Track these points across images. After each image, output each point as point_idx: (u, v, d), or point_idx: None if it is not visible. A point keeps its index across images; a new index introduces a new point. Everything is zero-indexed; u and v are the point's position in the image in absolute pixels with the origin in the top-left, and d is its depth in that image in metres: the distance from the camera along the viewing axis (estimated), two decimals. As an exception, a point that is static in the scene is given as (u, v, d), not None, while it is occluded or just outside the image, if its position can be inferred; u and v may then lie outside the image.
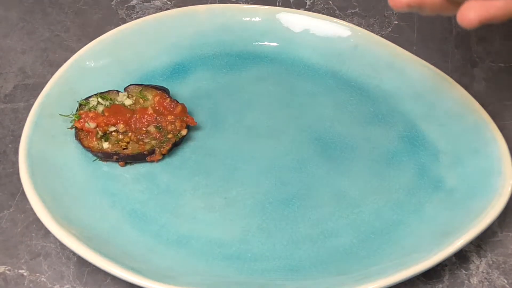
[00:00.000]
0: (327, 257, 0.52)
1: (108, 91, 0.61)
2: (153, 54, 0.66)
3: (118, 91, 0.62)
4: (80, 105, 0.60)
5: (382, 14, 0.75)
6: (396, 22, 0.74)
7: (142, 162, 0.59)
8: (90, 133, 0.58)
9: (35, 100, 0.59)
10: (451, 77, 0.63)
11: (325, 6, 0.76)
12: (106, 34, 0.66)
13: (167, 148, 0.58)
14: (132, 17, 0.74)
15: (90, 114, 0.58)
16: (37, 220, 0.53)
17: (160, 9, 0.75)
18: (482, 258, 0.54)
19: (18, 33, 0.72)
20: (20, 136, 0.56)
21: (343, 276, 0.50)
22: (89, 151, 0.58)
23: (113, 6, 0.76)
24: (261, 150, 0.60)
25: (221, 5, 0.70)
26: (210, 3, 0.75)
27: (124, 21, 0.73)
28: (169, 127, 0.59)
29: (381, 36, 0.69)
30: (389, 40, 0.67)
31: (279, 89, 0.65)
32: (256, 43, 0.68)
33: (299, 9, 0.73)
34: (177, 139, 0.59)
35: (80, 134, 0.58)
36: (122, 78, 0.64)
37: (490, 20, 0.44)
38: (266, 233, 0.54)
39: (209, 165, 0.58)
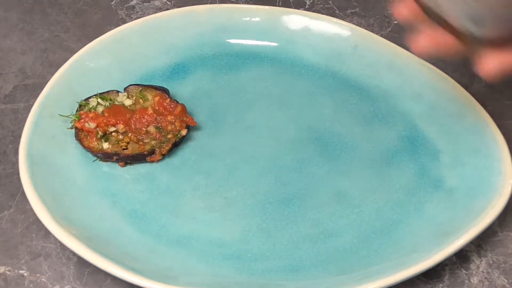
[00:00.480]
0: (327, 257, 0.52)
1: (108, 92, 0.61)
2: (153, 54, 0.66)
3: (118, 91, 0.62)
4: (80, 105, 0.60)
5: (382, 14, 0.75)
6: (396, 22, 0.74)
7: (142, 162, 0.59)
8: (90, 134, 0.58)
9: (35, 100, 0.59)
10: (451, 77, 0.63)
11: (325, 6, 0.76)
12: (106, 35, 0.66)
13: (167, 148, 0.58)
14: (132, 17, 0.74)
15: (90, 115, 0.58)
16: (37, 221, 0.53)
17: (160, 9, 0.75)
18: (483, 258, 0.54)
19: (18, 34, 0.72)
20: (20, 137, 0.56)
21: (343, 276, 0.50)
22: (89, 151, 0.58)
23: (113, 7, 0.76)
24: (261, 150, 0.60)
25: (221, 5, 0.70)
26: (210, 3, 0.75)
27: (124, 21, 0.73)
28: (169, 127, 0.59)
29: (381, 36, 0.68)
30: (389, 40, 0.67)
31: (279, 89, 0.65)
32: (256, 43, 0.68)
33: (299, 9, 0.73)
34: (177, 139, 0.59)
35: (80, 135, 0.58)
36: (122, 78, 0.64)
37: (440, 54, 0.45)
38: (266, 233, 0.54)
39: (209, 165, 0.58)
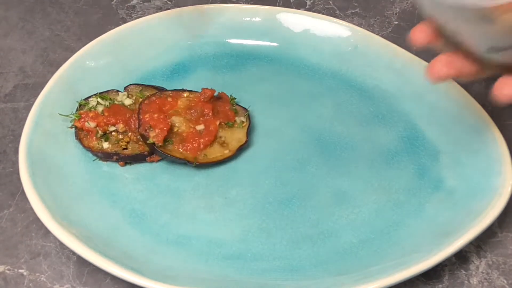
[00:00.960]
0: (327, 257, 0.52)
1: (108, 91, 0.61)
2: (153, 54, 0.66)
3: (118, 91, 0.62)
4: (80, 105, 0.60)
5: (382, 14, 0.75)
6: (396, 23, 0.74)
7: (142, 162, 0.59)
8: (90, 133, 0.58)
9: (35, 99, 0.59)
10: (451, 77, 0.63)
11: (325, 6, 0.76)
12: (106, 34, 0.66)
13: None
14: (132, 17, 0.74)
15: (90, 114, 0.58)
16: (37, 220, 0.53)
17: (160, 9, 0.75)
18: (482, 259, 0.54)
19: (18, 33, 0.72)
20: (20, 136, 0.56)
21: (343, 276, 0.50)
22: (89, 151, 0.58)
23: (113, 6, 0.76)
24: (261, 150, 0.60)
25: (221, 5, 0.70)
26: (211, 3, 0.75)
27: (125, 21, 0.73)
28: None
29: (381, 36, 0.68)
30: (389, 41, 0.67)
31: (279, 89, 0.65)
32: (256, 43, 0.68)
33: (299, 9, 0.73)
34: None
35: (80, 134, 0.58)
36: (122, 78, 0.64)
37: (457, 77, 0.46)
38: (266, 233, 0.54)
39: (209, 165, 0.58)
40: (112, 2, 0.76)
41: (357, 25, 0.69)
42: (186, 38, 0.68)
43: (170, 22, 0.68)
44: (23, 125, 0.57)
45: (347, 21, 0.70)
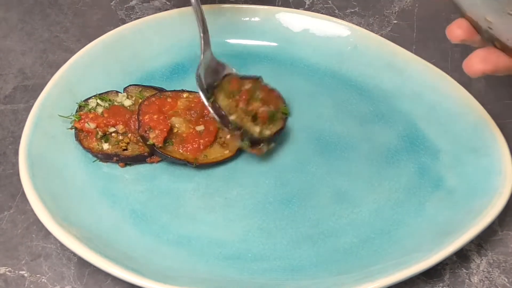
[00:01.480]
0: (328, 257, 0.52)
1: (107, 92, 0.61)
2: (153, 55, 0.66)
3: (117, 92, 0.62)
4: (80, 106, 0.60)
5: (381, 13, 0.75)
6: (395, 22, 0.74)
7: (142, 163, 0.59)
8: (90, 134, 0.58)
9: (35, 101, 0.59)
10: (451, 76, 0.63)
11: (325, 5, 0.76)
12: (106, 35, 0.66)
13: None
14: (131, 18, 0.74)
15: (90, 115, 0.58)
16: (37, 221, 0.53)
17: (159, 10, 0.75)
18: (483, 257, 0.54)
19: (17, 34, 0.72)
20: (20, 137, 0.56)
21: (344, 276, 0.50)
22: (89, 152, 0.58)
23: (112, 7, 0.76)
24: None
25: (221, 5, 0.70)
26: (210, 3, 0.75)
27: (124, 22, 0.73)
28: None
29: (381, 35, 0.68)
30: (389, 40, 0.67)
31: (279, 89, 0.65)
32: (256, 43, 0.68)
33: (298, 9, 0.73)
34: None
35: (80, 135, 0.58)
36: (122, 79, 0.64)
37: (494, 72, 0.45)
38: (266, 233, 0.54)
39: (209, 165, 0.58)
40: (111, 3, 0.76)
41: (356, 25, 0.69)
42: (185, 39, 0.68)
43: (169, 23, 0.68)
44: (23, 126, 0.57)
45: (346, 21, 0.70)
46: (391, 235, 0.53)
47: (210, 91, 0.59)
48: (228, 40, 0.68)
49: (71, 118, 0.59)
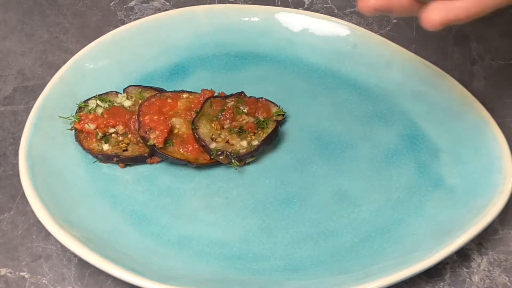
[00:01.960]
0: (328, 256, 0.52)
1: (107, 93, 0.61)
2: (152, 55, 0.66)
3: (117, 93, 0.62)
4: (80, 107, 0.60)
5: (381, 12, 0.75)
6: (395, 21, 0.74)
7: (142, 163, 0.59)
8: (90, 135, 0.58)
9: (35, 102, 0.59)
10: (451, 75, 0.63)
11: (324, 5, 0.76)
12: (105, 36, 0.66)
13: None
14: (130, 18, 0.74)
15: (90, 116, 0.58)
16: (37, 222, 0.53)
17: (158, 10, 0.75)
18: (483, 256, 0.54)
19: (17, 35, 0.72)
20: (20, 138, 0.56)
21: (344, 276, 0.50)
22: (89, 152, 0.58)
23: (111, 8, 0.76)
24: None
25: (220, 6, 0.70)
26: (209, 3, 0.75)
27: (123, 22, 0.73)
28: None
29: (380, 35, 0.68)
30: (388, 39, 0.67)
31: (278, 89, 0.65)
32: (255, 43, 0.68)
33: (297, 8, 0.73)
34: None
35: (80, 136, 0.58)
36: (122, 79, 0.64)
37: (453, 21, 0.44)
38: (267, 233, 0.54)
39: (209, 165, 0.58)
40: (111, 4, 0.76)
41: (356, 24, 0.69)
42: (185, 39, 0.68)
43: (169, 23, 0.68)
44: (23, 127, 0.57)
45: (345, 20, 0.70)
46: (391, 234, 0.53)
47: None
48: (227, 40, 0.68)
49: (71, 119, 0.59)
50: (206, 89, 0.61)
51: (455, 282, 0.52)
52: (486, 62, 0.69)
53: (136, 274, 0.48)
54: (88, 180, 0.57)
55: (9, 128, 0.63)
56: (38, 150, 0.56)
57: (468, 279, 0.52)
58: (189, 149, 0.57)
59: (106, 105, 0.60)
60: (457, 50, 0.71)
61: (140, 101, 0.60)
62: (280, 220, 0.55)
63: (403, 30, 0.73)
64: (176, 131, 0.58)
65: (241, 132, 0.59)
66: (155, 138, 0.56)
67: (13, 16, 0.75)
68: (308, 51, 0.67)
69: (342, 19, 0.69)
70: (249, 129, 0.59)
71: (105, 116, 0.59)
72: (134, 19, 0.73)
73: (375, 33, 0.68)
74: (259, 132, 0.59)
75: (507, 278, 0.52)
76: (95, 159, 0.58)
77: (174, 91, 0.62)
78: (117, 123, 0.58)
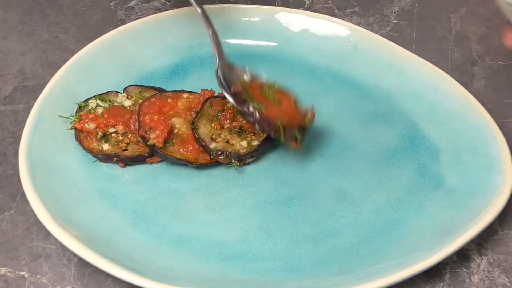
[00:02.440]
0: (328, 256, 0.52)
1: (107, 92, 0.61)
2: (153, 55, 0.66)
3: (117, 92, 0.62)
4: (80, 107, 0.60)
5: (381, 13, 0.75)
6: (395, 21, 0.74)
7: (143, 163, 0.59)
8: (90, 135, 0.58)
9: (35, 101, 0.59)
10: (451, 75, 0.63)
11: (324, 5, 0.76)
12: (105, 35, 0.66)
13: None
14: (131, 18, 0.74)
15: (90, 116, 0.58)
16: (37, 222, 0.53)
17: (159, 10, 0.75)
18: (483, 257, 0.54)
19: (17, 35, 0.72)
20: (20, 138, 0.56)
21: (344, 276, 0.50)
22: (89, 152, 0.58)
23: (112, 7, 0.76)
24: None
25: (220, 6, 0.70)
26: (210, 3, 0.75)
27: (123, 22, 0.73)
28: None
29: (381, 35, 0.68)
30: (389, 39, 0.67)
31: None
32: (256, 43, 0.68)
33: (298, 8, 0.73)
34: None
35: (80, 136, 0.58)
36: (122, 79, 0.64)
37: None
38: (267, 233, 0.54)
39: (209, 165, 0.58)
40: (111, 4, 0.76)
41: (356, 24, 0.69)
42: (185, 39, 0.68)
43: (169, 23, 0.68)
44: (23, 127, 0.57)
45: (346, 20, 0.70)
46: (391, 234, 0.53)
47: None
48: (228, 40, 0.68)
49: (71, 119, 0.59)
50: (206, 89, 0.61)
51: (454, 283, 0.52)
52: (486, 63, 0.69)
53: (136, 273, 0.48)
54: (88, 180, 0.57)
55: (9, 127, 0.63)
56: (38, 150, 0.56)
57: (467, 280, 0.52)
58: (189, 149, 0.57)
59: (106, 105, 0.60)
60: (458, 51, 0.71)
61: (140, 101, 0.60)
62: (280, 220, 0.55)
63: (404, 30, 0.73)
64: (176, 131, 0.58)
65: (241, 132, 0.59)
66: (155, 138, 0.56)
67: (13, 15, 0.75)
68: (308, 51, 0.67)
69: (343, 20, 0.69)
70: (249, 129, 0.59)
71: (105, 115, 0.59)
72: (135, 19, 0.73)
73: (376, 33, 0.68)
74: (259, 132, 0.59)
75: (506, 279, 0.52)
76: (95, 159, 0.58)
77: (174, 91, 0.62)
78: (117, 122, 0.58)
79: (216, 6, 0.70)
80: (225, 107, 0.60)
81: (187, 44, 0.68)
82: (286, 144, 0.59)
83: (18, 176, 0.54)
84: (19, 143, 0.56)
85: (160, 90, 0.62)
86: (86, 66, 0.63)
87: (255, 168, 0.59)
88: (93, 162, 0.58)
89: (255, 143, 0.58)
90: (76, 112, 0.60)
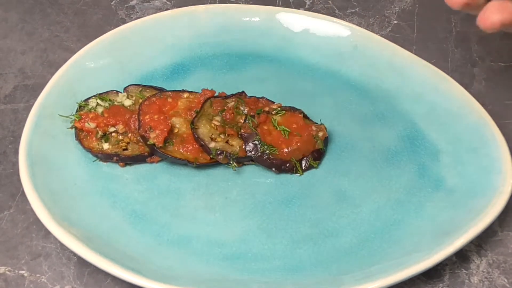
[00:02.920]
0: (328, 257, 0.52)
1: (107, 92, 0.61)
2: (153, 55, 0.66)
3: (117, 92, 0.62)
4: (80, 106, 0.60)
5: (381, 13, 0.75)
6: (395, 22, 0.74)
7: (143, 163, 0.59)
8: (90, 134, 0.58)
9: (35, 100, 0.59)
10: (451, 76, 0.63)
11: (325, 6, 0.76)
12: (106, 35, 0.66)
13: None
14: (131, 18, 0.74)
15: (90, 115, 0.58)
16: (37, 221, 0.53)
17: (159, 9, 0.75)
18: (483, 258, 0.54)
19: (17, 34, 0.72)
20: (20, 137, 0.56)
21: (344, 276, 0.50)
22: (89, 151, 0.58)
23: (112, 7, 0.76)
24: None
25: (221, 5, 0.70)
26: (210, 3, 0.75)
27: (124, 22, 0.73)
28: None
29: (381, 35, 0.68)
30: (389, 40, 0.67)
31: (279, 89, 0.65)
32: (256, 43, 0.68)
33: (298, 9, 0.73)
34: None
35: (80, 135, 0.58)
36: (122, 79, 0.64)
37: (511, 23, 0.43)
38: (267, 233, 0.54)
39: (209, 165, 0.58)
40: (112, 3, 0.76)
41: (357, 25, 0.69)
42: (185, 39, 0.68)
43: (170, 22, 0.68)
44: (23, 126, 0.57)
45: (346, 21, 0.70)
46: (391, 235, 0.53)
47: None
48: (227, 40, 0.68)
49: (71, 118, 0.59)
50: (207, 89, 0.61)
51: (454, 284, 0.52)
52: (487, 64, 0.69)
53: (136, 273, 0.48)
54: (88, 179, 0.57)
55: (9, 126, 0.63)
56: (38, 149, 0.56)
57: (467, 281, 0.52)
58: (189, 148, 0.57)
59: (107, 104, 0.60)
60: (458, 52, 0.71)
61: (141, 100, 0.60)
62: (279, 220, 0.55)
63: (404, 31, 0.73)
64: (176, 131, 0.58)
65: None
66: (155, 137, 0.56)
67: (14, 14, 0.75)
68: (308, 51, 0.67)
69: (343, 20, 0.69)
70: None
71: (105, 115, 0.59)
72: (135, 18, 0.73)
73: (376, 34, 0.68)
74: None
75: (506, 280, 0.52)
76: (95, 158, 0.58)
77: (175, 90, 0.62)
78: (117, 122, 0.58)
79: (217, 5, 0.70)
80: (225, 107, 0.60)
81: (188, 44, 0.68)
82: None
83: (18, 175, 0.54)
84: (19, 142, 0.56)
85: (160, 90, 0.62)
86: (87, 66, 0.63)
87: (255, 168, 0.59)
88: (93, 161, 0.58)
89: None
90: (76, 111, 0.60)
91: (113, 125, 0.58)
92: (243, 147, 0.58)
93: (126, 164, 0.58)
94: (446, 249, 0.49)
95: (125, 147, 0.58)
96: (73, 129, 0.59)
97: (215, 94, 0.61)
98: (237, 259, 0.52)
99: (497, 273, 0.53)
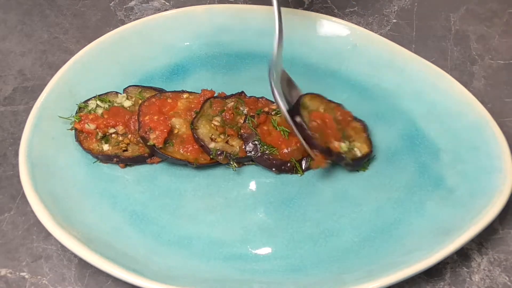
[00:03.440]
0: (329, 256, 0.52)
1: (107, 93, 0.61)
2: (152, 55, 0.66)
3: (117, 93, 0.62)
4: (80, 107, 0.60)
5: (381, 12, 0.75)
6: (395, 21, 0.74)
7: (143, 163, 0.59)
8: (90, 135, 0.58)
9: (35, 102, 0.59)
10: (451, 75, 0.63)
11: (324, 5, 0.76)
12: (105, 36, 0.66)
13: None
14: (130, 19, 0.74)
15: (90, 116, 0.58)
16: (38, 223, 0.53)
17: (158, 10, 0.75)
18: (484, 256, 0.54)
19: (17, 36, 0.72)
20: (20, 139, 0.56)
21: (345, 275, 0.50)
22: (90, 153, 0.58)
23: (111, 8, 0.76)
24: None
25: (220, 6, 0.70)
26: (209, 3, 0.75)
27: (123, 23, 0.73)
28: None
29: (380, 34, 0.68)
30: (388, 39, 0.67)
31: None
32: (255, 43, 0.68)
33: (297, 8, 0.73)
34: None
35: (80, 136, 0.58)
36: (122, 80, 0.64)
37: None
38: (267, 233, 0.54)
39: (209, 165, 0.58)
40: (111, 4, 0.76)
41: (356, 24, 0.69)
42: (184, 39, 0.68)
43: (169, 23, 0.68)
44: (23, 128, 0.57)
45: (345, 20, 0.70)
46: (391, 234, 0.53)
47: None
48: (226, 40, 0.68)
49: (71, 119, 0.59)
50: (206, 89, 0.61)
51: (455, 282, 0.52)
52: (486, 62, 0.69)
53: (137, 274, 0.48)
54: (88, 181, 0.57)
55: (9, 128, 0.63)
56: (38, 151, 0.56)
57: (468, 279, 0.52)
58: (189, 149, 0.57)
59: (106, 105, 0.60)
60: (457, 50, 0.71)
61: (140, 101, 0.60)
62: (280, 220, 0.55)
63: (403, 29, 0.73)
64: (176, 131, 0.58)
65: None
66: (155, 138, 0.56)
67: (13, 16, 0.75)
68: (308, 51, 0.67)
69: (342, 19, 0.69)
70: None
71: (105, 116, 0.59)
72: (134, 19, 0.73)
73: (375, 33, 0.68)
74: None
75: (507, 278, 0.52)
76: (95, 159, 0.58)
77: (174, 91, 0.62)
78: (117, 123, 0.58)
79: (216, 6, 0.70)
80: (225, 108, 0.60)
81: (187, 44, 0.68)
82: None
83: (18, 177, 0.54)
84: (19, 144, 0.56)
85: (160, 91, 0.62)
86: (86, 67, 0.63)
87: (255, 168, 0.59)
88: (93, 162, 0.58)
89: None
90: (76, 112, 0.60)
91: (113, 126, 0.58)
92: (243, 147, 0.58)
93: (126, 165, 0.58)
94: (447, 247, 0.49)
95: (125, 148, 0.58)
96: (73, 130, 0.59)
97: (215, 95, 0.61)
98: (238, 259, 0.52)
99: (498, 271, 0.53)
